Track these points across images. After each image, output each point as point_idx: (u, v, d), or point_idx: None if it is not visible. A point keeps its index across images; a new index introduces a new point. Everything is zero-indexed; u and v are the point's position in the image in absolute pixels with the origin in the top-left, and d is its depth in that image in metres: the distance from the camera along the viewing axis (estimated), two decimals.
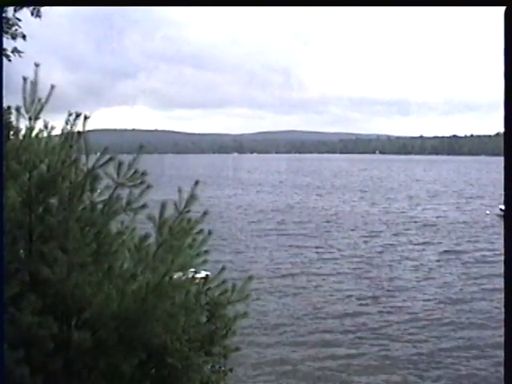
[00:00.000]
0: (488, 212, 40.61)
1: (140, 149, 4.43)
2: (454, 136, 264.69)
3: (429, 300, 18.89)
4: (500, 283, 14.27)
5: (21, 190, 4.22)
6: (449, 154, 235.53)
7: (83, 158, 4.31)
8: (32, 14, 8.90)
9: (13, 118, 4.34)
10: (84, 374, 4.07)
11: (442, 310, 17.81)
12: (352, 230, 34.35)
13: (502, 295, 1.96)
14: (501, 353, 1.94)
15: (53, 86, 4.31)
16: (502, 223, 2.09)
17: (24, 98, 4.27)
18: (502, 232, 1.98)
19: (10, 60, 8.68)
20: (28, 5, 8.02)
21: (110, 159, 4.28)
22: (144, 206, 4.38)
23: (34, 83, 4.26)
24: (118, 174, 4.28)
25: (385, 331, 15.78)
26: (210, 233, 4.57)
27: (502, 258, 1.96)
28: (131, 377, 4.05)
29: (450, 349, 14.49)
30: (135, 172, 4.31)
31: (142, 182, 4.34)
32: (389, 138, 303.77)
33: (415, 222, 37.92)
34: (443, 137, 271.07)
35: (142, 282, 4.13)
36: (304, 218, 39.72)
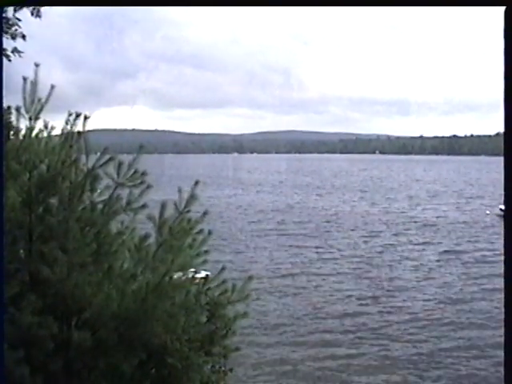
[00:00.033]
0: (488, 212, 40.62)
1: (140, 149, 4.43)
2: (454, 136, 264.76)
3: (429, 300, 18.89)
4: (500, 283, 14.28)
5: (21, 189, 4.22)
6: (449, 154, 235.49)
7: (83, 158, 4.32)
8: (32, 14, 8.91)
9: (13, 117, 4.34)
10: (84, 374, 4.07)
11: (442, 310, 17.80)
12: (352, 229, 34.35)
13: (502, 295, 1.96)
14: (501, 353, 1.94)
15: (53, 86, 4.32)
16: (502, 223, 2.08)
17: (24, 98, 4.27)
18: (502, 232, 1.98)
19: (10, 60, 8.68)
20: (28, 5, 8.02)
21: (110, 159, 4.28)
22: (144, 206, 4.38)
23: (34, 83, 4.27)
24: (118, 174, 4.28)
25: (385, 331, 15.77)
26: (210, 233, 4.57)
27: (502, 257, 1.96)
28: (131, 377, 4.05)
29: (450, 349, 14.49)
30: (135, 172, 4.31)
31: (141, 182, 4.34)
32: (389, 138, 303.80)
33: (415, 221, 37.91)
34: (443, 137, 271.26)
35: (142, 282, 4.13)
36: (304, 218, 39.72)
